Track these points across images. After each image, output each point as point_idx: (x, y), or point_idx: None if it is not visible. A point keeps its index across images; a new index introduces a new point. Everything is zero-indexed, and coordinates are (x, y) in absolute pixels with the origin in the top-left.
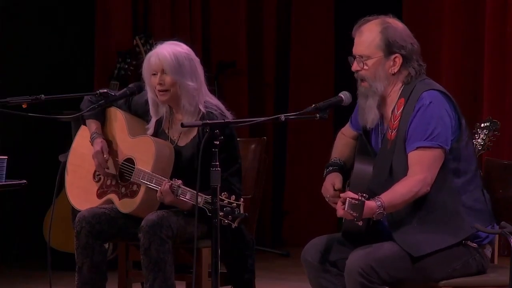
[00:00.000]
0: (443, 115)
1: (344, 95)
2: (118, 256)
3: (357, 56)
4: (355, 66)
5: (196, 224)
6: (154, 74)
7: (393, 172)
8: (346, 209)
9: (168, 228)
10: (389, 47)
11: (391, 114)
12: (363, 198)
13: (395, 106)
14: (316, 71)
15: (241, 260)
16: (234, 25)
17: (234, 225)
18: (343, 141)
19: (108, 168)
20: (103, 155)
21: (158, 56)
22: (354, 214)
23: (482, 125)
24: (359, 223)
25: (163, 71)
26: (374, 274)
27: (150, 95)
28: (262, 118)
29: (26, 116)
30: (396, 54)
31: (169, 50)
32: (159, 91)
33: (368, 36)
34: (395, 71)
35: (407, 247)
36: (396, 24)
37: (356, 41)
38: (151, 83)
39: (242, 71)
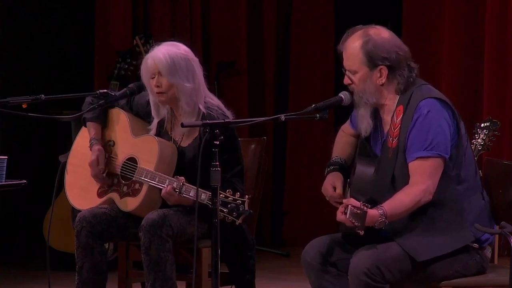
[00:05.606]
0: (441, 124)
1: (344, 95)
2: (118, 256)
3: (346, 70)
4: (345, 80)
5: (196, 223)
6: (152, 77)
7: (395, 181)
8: (348, 216)
9: (169, 228)
10: (372, 61)
11: (391, 121)
12: (365, 208)
13: (394, 113)
14: (316, 71)
15: (242, 261)
16: (234, 25)
17: (238, 221)
18: (344, 139)
19: (104, 178)
20: (98, 166)
21: (154, 59)
22: (356, 224)
23: (482, 125)
24: (361, 232)
25: (159, 74)
26: (379, 273)
27: (151, 97)
28: (262, 118)
29: (26, 116)
30: (381, 66)
31: (164, 52)
32: (157, 93)
33: (351, 51)
34: (383, 82)
35: (410, 251)
36: (378, 35)
37: (343, 55)
38: (150, 85)
39: (242, 71)
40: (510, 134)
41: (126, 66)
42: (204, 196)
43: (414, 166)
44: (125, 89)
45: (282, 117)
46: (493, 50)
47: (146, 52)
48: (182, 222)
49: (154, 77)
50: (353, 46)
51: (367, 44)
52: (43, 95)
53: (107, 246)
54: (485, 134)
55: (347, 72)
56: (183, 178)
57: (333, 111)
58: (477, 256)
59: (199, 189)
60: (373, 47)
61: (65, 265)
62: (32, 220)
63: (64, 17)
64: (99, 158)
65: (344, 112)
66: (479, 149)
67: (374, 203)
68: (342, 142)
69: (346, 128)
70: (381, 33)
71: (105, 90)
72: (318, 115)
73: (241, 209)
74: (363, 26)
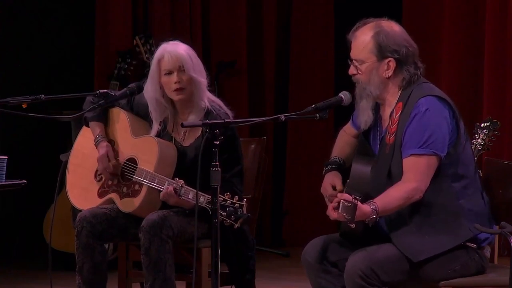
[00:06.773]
0: (440, 122)
1: (344, 95)
2: (118, 256)
3: (353, 59)
4: (351, 70)
5: (196, 224)
6: (168, 74)
7: (391, 176)
8: (340, 211)
9: (169, 228)
10: (381, 52)
11: (390, 117)
12: (355, 201)
13: (393, 109)
14: (316, 71)
15: (242, 261)
16: (234, 25)
17: (236, 225)
18: (344, 138)
19: (112, 173)
20: (108, 160)
21: (175, 55)
22: (347, 217)
23: (482, 125)
24: (352, 225)
25: (179, 69)
26: (374, 276)
27: (153, 96)
28: (262, 118)
29: (26, 116)
30: (390, 58)
31: (183, 48)
32: (177, 89)
33: (362, 41)
34: (389, 75)
35: (406, 252)
36: (390, 27)
37: (352, 44)
38: (162, 82)
39: (242, 71)
40: (510, 134)
41: (126, 66)
42: (203, 199)
43: (408, 163)
44: (125, 89)
45: (282, 117)
46: (493, 50)
47: (146, 52)
48: (183, 222)
49: (172, 73)
50: (364, 36)
51: (379, 35)
52: (43, 95)
53: (107, 246)
54: (485, 134)
55: (353, 62)
56: (182, 181)
57: (333, 111)
58: (476, 255)
59: (198, 192)
60: (385, 37)
61: (65, 265)
62: (32, 220)
63: (64, 17)
64: (108, 153)
65: (344, 112)
66: (479, 149)
67: (369, 198)
68: (342, 142)
69: (347, 128)
70: (393, 26)
71: (105, 90)
72: (318, 115)
73: (239, 212)
74: (375, 19)
